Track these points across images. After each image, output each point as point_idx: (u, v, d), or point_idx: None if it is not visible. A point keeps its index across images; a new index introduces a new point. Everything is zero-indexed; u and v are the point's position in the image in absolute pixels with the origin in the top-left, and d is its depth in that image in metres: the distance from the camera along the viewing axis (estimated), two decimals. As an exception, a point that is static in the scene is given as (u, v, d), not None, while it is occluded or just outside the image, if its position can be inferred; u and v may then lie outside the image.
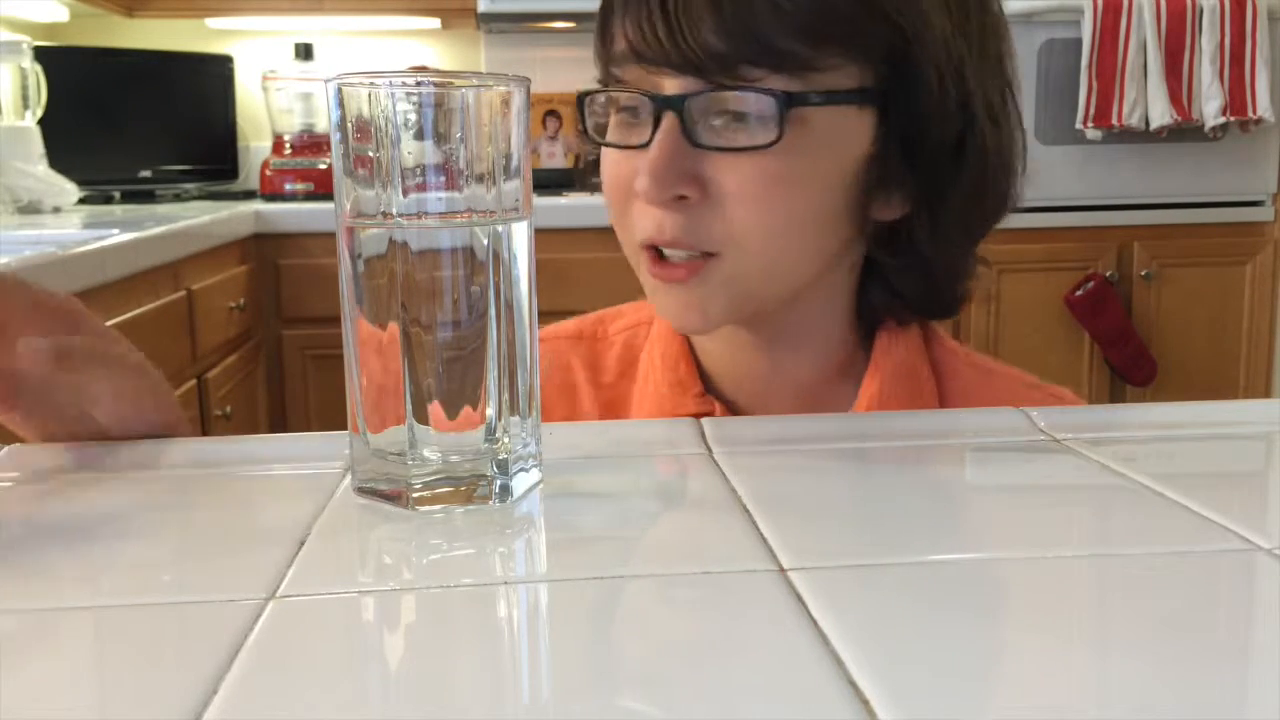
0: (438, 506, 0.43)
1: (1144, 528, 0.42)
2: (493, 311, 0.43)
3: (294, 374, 2.51)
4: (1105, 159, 2.66)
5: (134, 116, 2.72)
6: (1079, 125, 2.60)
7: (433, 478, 0.43)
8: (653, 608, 0.36)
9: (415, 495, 0.43)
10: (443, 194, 0.43)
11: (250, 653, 0.32)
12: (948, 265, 0.70)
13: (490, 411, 0.44)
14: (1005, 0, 0.71)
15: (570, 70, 2.98)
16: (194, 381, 2.01)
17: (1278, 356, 2.79)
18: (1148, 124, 2.59)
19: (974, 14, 0.66)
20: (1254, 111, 2.59)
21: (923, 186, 0.66)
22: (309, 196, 2.70)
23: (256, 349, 2.45)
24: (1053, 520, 0.45)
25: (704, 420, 0.56)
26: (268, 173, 2.75)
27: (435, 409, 0.43)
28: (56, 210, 2.28)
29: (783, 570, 0.37)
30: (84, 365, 0.53)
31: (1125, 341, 2.70)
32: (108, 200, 2.63)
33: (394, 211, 0.42)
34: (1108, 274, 2.68)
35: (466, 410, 0.44)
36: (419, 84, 0.42)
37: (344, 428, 0.47)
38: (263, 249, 2.46)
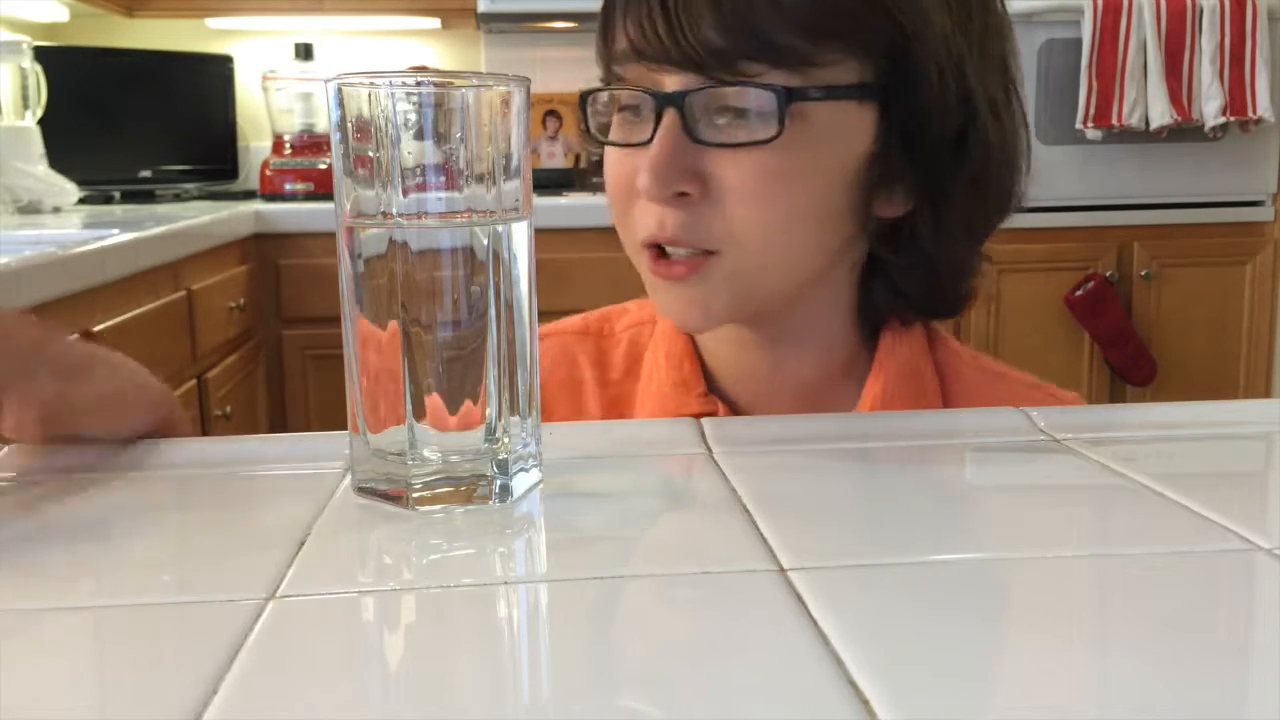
0: (438, 506, 0.43)
1: (1144, 528, 0.42)
2: (493, 311, 0.43)
3: (294, 374, 2.51)
4: (1105, 159, 2.66)
5: (134, 116, 2.72)
6: (1079, 125, 2.60)
7: (433, 478, 0.43)
8: (653, 608, 0.36)
9: (415, 495, 0.43)
10: (443, 194, 0.43)
11: (250, 653, 0.32)
12: (951, 263, 0.69)
13: (490, 411, 0.44)
14: (1006, 1, 0.71)
15: (570, 70, 2.98)
16: (194, 381, 2.01)
17: (1278, 356, 2.79)
18: (1148, 124, 2.59)
19: (975, 13, 0.66)
20: (1254, 111, 2.59)
21: (924, 182, 0.65)
22: (309, 196, 2.70)
23: (256, 349, 2.45)
24: (1053, 520, 0.45)
25: (704, 420, 0.56)
26: (268, 173, 2.75)
27: (435, 409, 0.43)
28: (56, 210, 2.28)
29: (783, 570, 0.37)
30: (70, 416, 0.53)
31: (1125, 341, 2.70)
32: (108, 200, 2.63)
33: (394, 211, 0.42)
34: (1108, 274, 2.68)
35: (466, 410, 0.44)
36: (419, 84, 0.42)
37: (344, 428, 0.47)
38: (263, 249, 2.46)
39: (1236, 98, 2.58)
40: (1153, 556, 0.39)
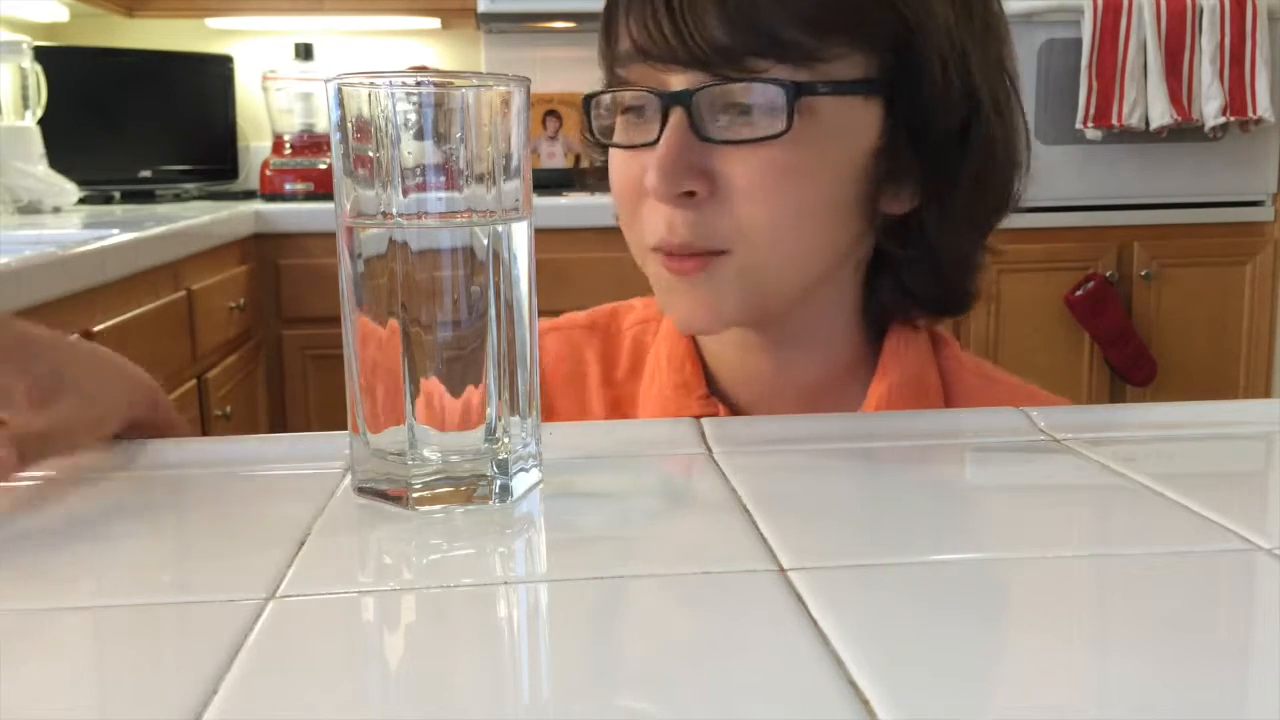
0: (438, 506, 0.43)
1: (1144, 528, 0.42)
2: (493, 311, 0.43)
3: (294, 374, 2.51)
4: (1105, 159, 2.66)
5: (134, 116, 2.72)
6: (1079, 125, 2.60)
7: (433, 478, 0.43)
8: (653, 608, 0.36)
9: (415, 495, 0.43)
10: (443, 194, 0.43)
11: (250, 653, 0.32)
12: (956, 258, 0.69)
13: (490, 411, 0.44)
14: (1005, 1, 0.71)
15: (570, 70, 2.98)
16: (194, 381, 2.01)
17: (1278, 356, 2.79)
18: (1148, 124, 2.59)
19: (976, 8, 0.66)
20: (1254, 111, 2.59)
21: (930, 177, 0.66)
22: (309, 196, 2.70)
23: (256, 349, 2.45)
24: (1053, 520, 0.45)
25: (704, 420, 0.56)
26: (268, 173, 2.75)
27: (435, 409, 0.43)
28: (56, 210, 2.28)
29: (783, 570, 0.37)
30: (47, 445, 0.51)
31: (1125, 341, 2.70)
32: (108, 200, 2.63)
33: (394, 211, 0.42)
34: (1108, 274, 2.68)
35: (467, 410, 0.44)
36: (419, 84, 0.42)
37: (344, 428, 0.47)
38: (263, 249, 2.46)
39: (1236, 98, 2.58)
40: (1153, 556, 0.39)
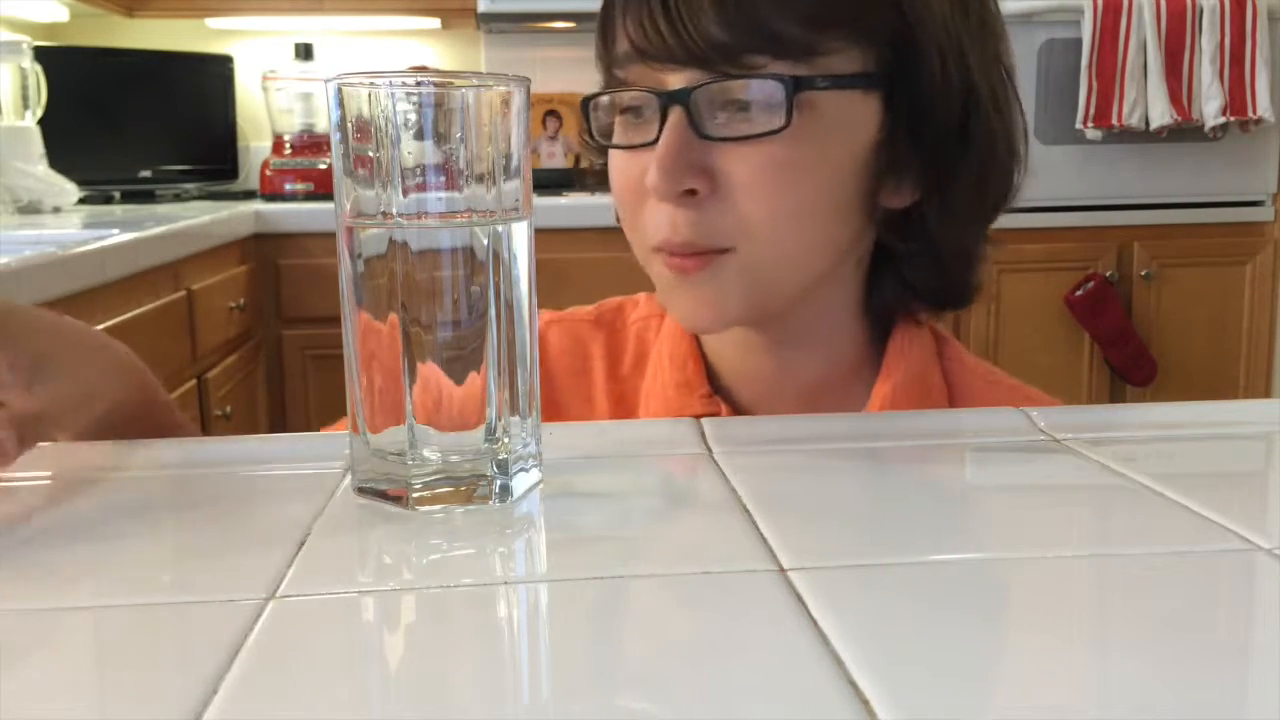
0: (438, 506, 0.43)
1: (1144, 528, 0.42)
2: (493, 311, 0.43)
3: (294, 374, 2.51)
4: (1105, 159, 2.66)
5: (134, 116, 2.72)
6: (1079, 125, 2.60)
7: (433, 478, 0.43)
8: (653, 608, 0.36)
9: (415, 495, 0.43)
10: (443, 194, 0.43)
11: (250, 653, 0.32)
12: (958, 251, 0.69)
13: (490, 411, 0.44)
14: (1005, 0, 0.71)
15: (570, 70, 2.98)
16: (194, 381, 2.01)
17: (1278, 356, 2.79)
18: (1148, 124, 2.59)
19: (972, 5, 0.66)
20: (1254, 111, 2.59)
21: (931, 171, 0.66)
22: (309, 196, 2.70)
23: (256, 349, 2.45)
24: (1053, 520, 0.45)
25: (704, 420, 0.56)
26: (268, 173, 2.75)
27: (435, 409, 0.43)
28: (56, 210, 2.28)
29: (783, 570, 0.37)
30: (40, 429, 0.52)
31: (1125, 341, 2.70)
32: (108, 200, 2.63)
33: (394, 211, 0.42)
34: (1108, 274, 2.68)
35: (466, 410, 0.44)
36: (419, 84, 0.42)
37: (343, 427, 0.47)
38: (263, 249, 2.46)
39: (1236, 98, 2.58)
40: (1153, 556, 0.39)
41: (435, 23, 2.98)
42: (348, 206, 0.43)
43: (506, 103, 0.43)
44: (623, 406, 0.75)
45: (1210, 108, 2.57)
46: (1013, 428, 0.55)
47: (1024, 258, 2.61)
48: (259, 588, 0.36)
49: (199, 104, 2.88)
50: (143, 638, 0.34)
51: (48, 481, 0.50)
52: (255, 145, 3.00)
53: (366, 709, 0.30)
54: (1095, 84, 2.58)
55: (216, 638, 0.33)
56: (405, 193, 0.42)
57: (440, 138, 0.42)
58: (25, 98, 2.34)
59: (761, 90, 0.61)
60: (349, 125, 0.42)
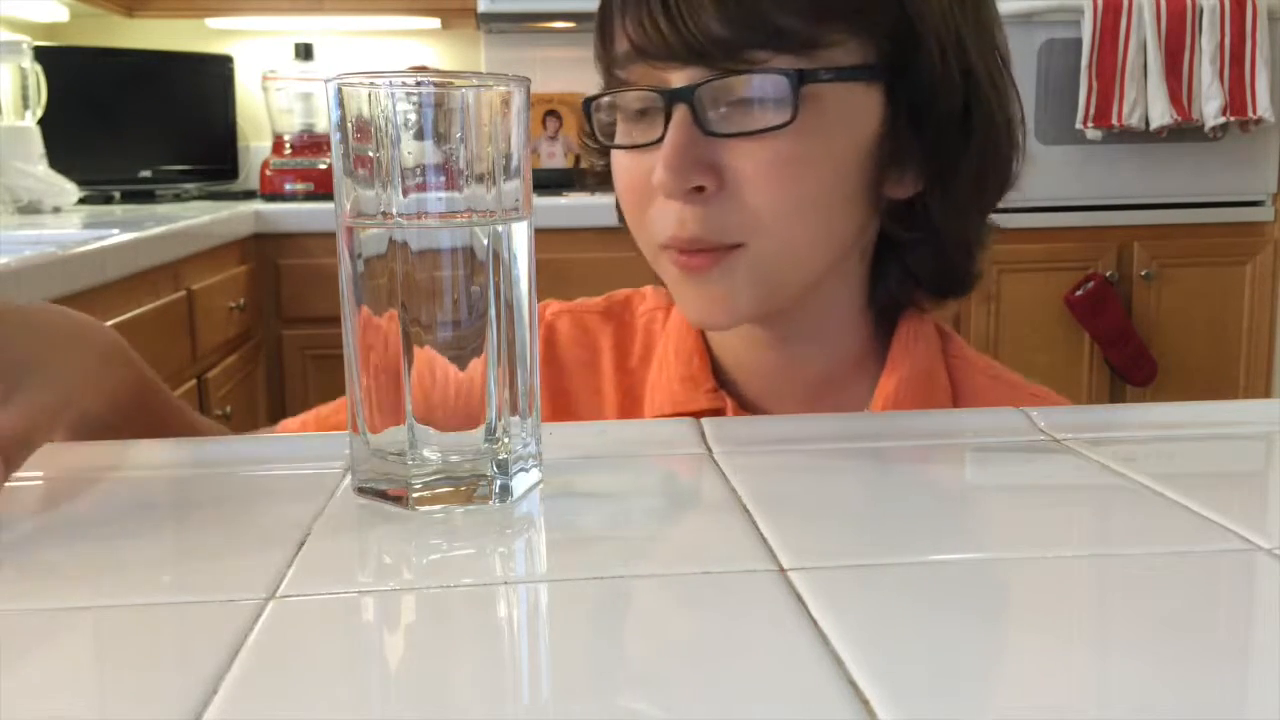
0: (438, 506, 0.43)
1: (1144, 528, 0.42)
2: (493, 311, 0.43)
3: (294, 374, 2.51)
4: (1105, 159, 2.66)
5: (134, 116, 2.72)
6: (1079, 125, 2.60)
7: (433, 478, 0.43)
8: (652, 608, 0.36)
9: (415, 495, 0.43)
10: (443, 194, 0.43)
11: (250, 653, 0.32)
12: (961, 238, 0.70)
13: (490, 411, 0.44)
14: (1005, 0, 0.72)
15: (570, 70, 2.98)
16: (194, 381, 2.01)
17: (1278, 356, 2.79)
18: (1148, 124, 2.59)
19: None
20: (1254, 111, 2.59)
21: (934, 160, 0.66)
22: (309, 196, 2.70)
23: (256, 349, 2.45)
24: (1053, 520, 0.45)
25: (704, 420, 0.56)
26: (268, 173, 2.75)
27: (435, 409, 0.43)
28: (56, 210, 2.28)
29: (783, 570, 0.37)
30: (31, 443, 0.48)
31: (1125, 341, 2.70)
32: (108, 200, 2.63)
33: (394, 211, 0.42)
34: (1108, 274, 2.68)
35: (466, 410, 0.44)
36: (419, 84, 0.42)
37: (344, 428, 0.47)
38: (263, 249, 2.46)
39: (1236, 98, 2.58)
40: (1153, 556, 0.39)
41: (435, 23, 2.98)
42: (348, 206, 0.43)
43: (506, 103, 0.43)
44: (630, 399, 0.75)
45: (1210, 108, 2.57)
46: (1013, 428, 0.55)
47: (1024, 258, 2.61)
48: (259, 588, 0.36)
49: (199, 104, 2.88)
50: (143, 638, 0.34)
51: (48, 482, 0.50)
52: (255, 145, 3.00)
53: (366, 709, 0.30)
54: (1095, 84, 2.58)
55: (216, 638, 0.33)
56: (405, 193, 0.42)
57: (440, 138, 0.42)
58: (25, 98, 2.34)
59: (766, 85, 0.61)
60: (349, 125, 0.42)
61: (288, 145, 2.78)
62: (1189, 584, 0.37)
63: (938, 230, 0.68)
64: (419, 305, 0.42)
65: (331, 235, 0.45)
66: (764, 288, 0.65)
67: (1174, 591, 0.36)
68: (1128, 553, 0.40)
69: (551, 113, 3.02)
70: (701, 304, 0.66)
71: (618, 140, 0.67)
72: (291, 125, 2.80)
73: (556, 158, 3.04)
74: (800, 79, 0.60)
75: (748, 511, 0.43)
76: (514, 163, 0.44)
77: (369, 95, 0.42)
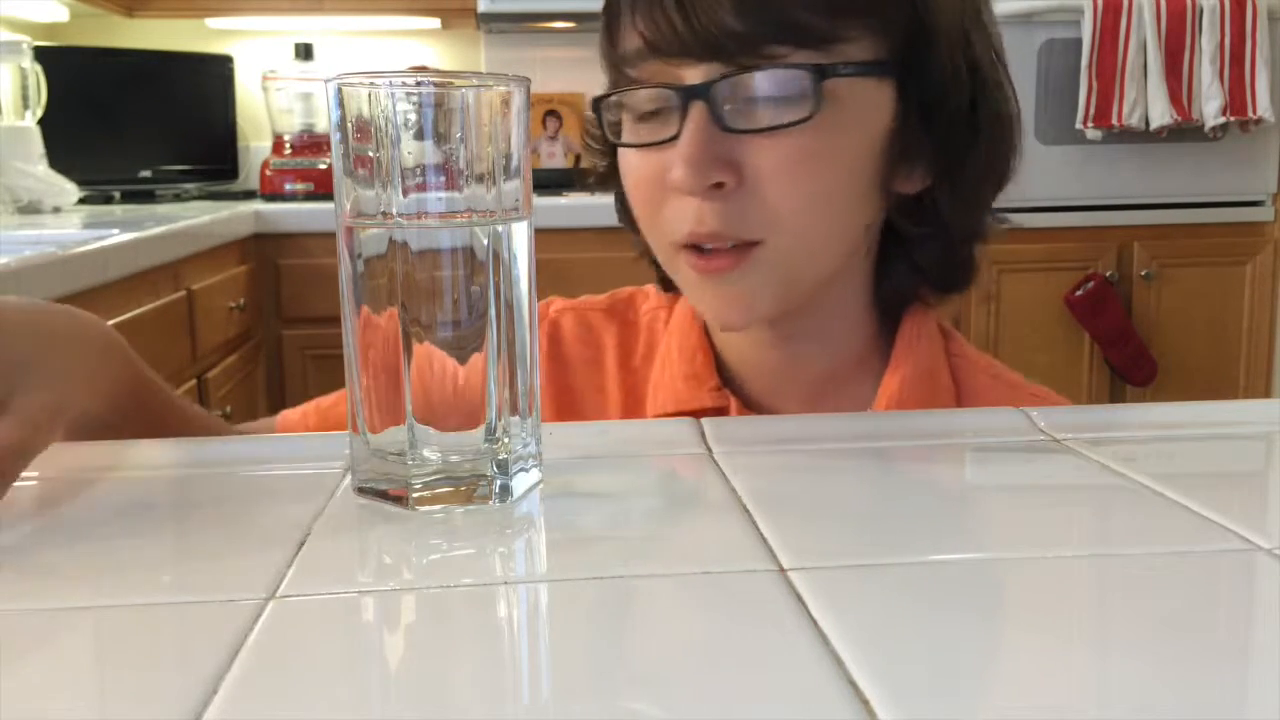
0: (438, 506, 0.43)
1: (1144, 528, 0.42)
2: (493, 311, 0.43)
3: (294, 374, 2.51)
4: (1105, 159, 2.66)
5: (134, 116, 2.72)
6: (1079, 125, 2.60)
7: (433, 478, 0.43)
8: (652, 608, 0.36)
9: (415, 495, 0.43)
10: (443, 194, 0.43)
11: (250, 653, 0.32)
12: (968, 231, 0.71)
13: (490, 411, 0.44)
14: (1005, 0, 0.73)
15: (570, 70, 2.98)
16: (194, 381, 2.01)
17: (1278, 356, 2.79)
18: (1148, 124, 2.59)
19: None
20: (1254, 111, 2.59)
21: (942, 156, 0.66)
22: (309, 196, 2.70)
23: (256, 349, 2.45)
24: (1053, 520, 0.45)
25: (704, 420, 0.56)
26: (268, 173, 2.75)
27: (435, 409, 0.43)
28: (56, 210, 2.28)
29: (783, 570, 0.37)
30: (27, 454, 0.47)
31: (1125, 341, 2.70)
32: (108, 200, 2.63)
33: (394, 211, 0.42)
34: (1108, 274, 2.68)
35: (466, 410, 0.44)
36: (419, 84, 0.42)
37: (344, 419, 0.47)
38: (263, 249, 2.46)
39: (1236, 98, 2.58)
40: (1153, 556, 0.39)
41: (435, 23, 2.98)
42: (348, 206, 0.43)
43: (506, 103, 0.43)
44: (633, 398, 0.75)
45: (1210, 108, 2.57)
46: (1013, 428, 0.55)
47: (1024, 258, 2.61)
48: (259, 588, 0.36)
49: (199, 104, 2.88)
50: (143, 638, 0.34)
51: (48, 483, 0.50)
52: (255, 145, 3.00)
53: (366, 709, 0.30)
54: (1095, 84, 2.58)
55: (216, 638, 0.33)
56: (405, 193, 0.42)
57: (440, 138, 0.42)
58: (25, 98, 2.34)
59: (787, 80, 0.61)
60: (349, 125, 0.42)
61: (288, 145, 2.78)
62: (1189, 584, 0.37)
63: (946, 224, 0.68)
64: (419, 305, 0.42)
65: (331, 235, 0.45)
66: (781, 286, 0.65)
67: (1174, 591, 0.36)
68: (1128, 553, 0.40)
69: (551, 113, 3.02)
70: (720, 305, 0.66)
71: (627, 138, 0.67)
72: (291, 125, 2.80)
73: (556, 158, 3.04)
74: (821, 74, 0.60)
75: (748, 511, 0.43)
76: (514, 163, 0.44)
77: (369, 95, 0.42)
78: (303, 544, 0.40)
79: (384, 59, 3.04)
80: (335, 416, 0.73)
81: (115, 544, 0.42)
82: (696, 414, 0.68)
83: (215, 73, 2.89)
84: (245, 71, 2.98)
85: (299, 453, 0.53)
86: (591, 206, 2.40)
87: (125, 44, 2.90)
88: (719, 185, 0.62)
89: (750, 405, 0.72)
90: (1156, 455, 0.53)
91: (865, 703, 0.28)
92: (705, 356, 0.72)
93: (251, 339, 2.41)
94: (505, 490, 0.44)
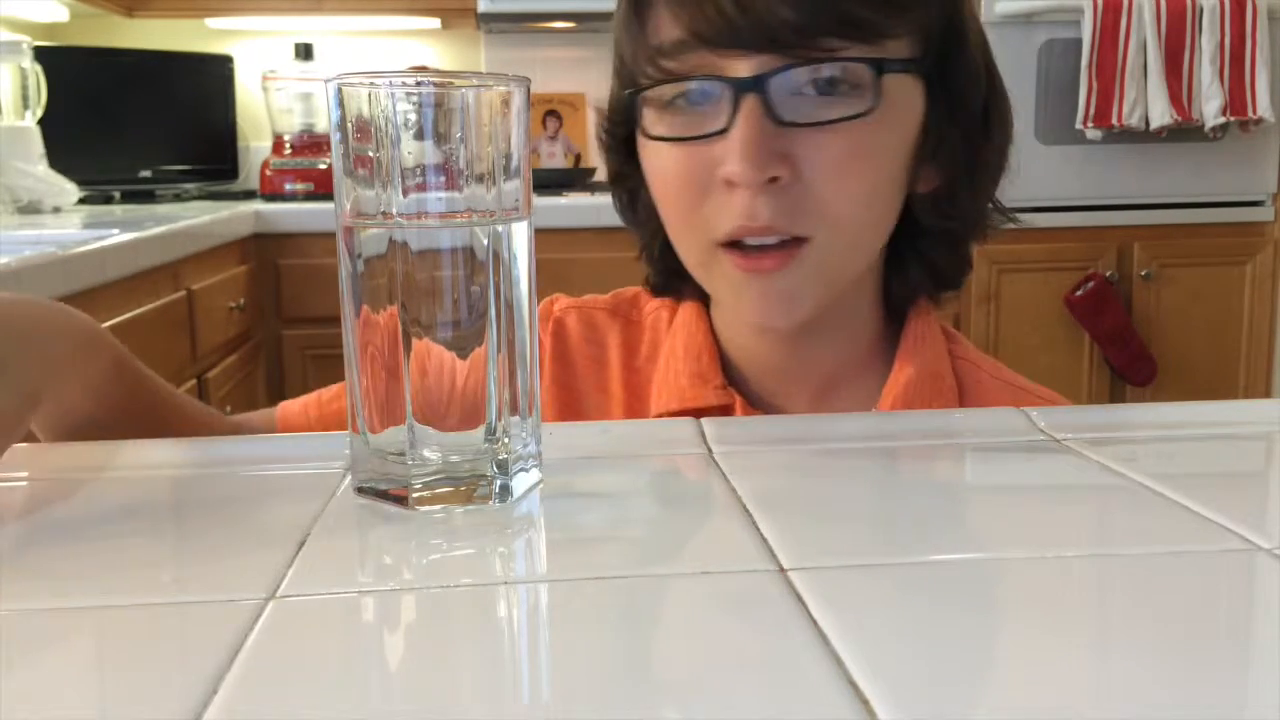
0: (438, 506, 0.43)
1: (1144, 528, 0.42)
2: (493, 311, 0.43)
3: (294, 374, 2.51)
4: (1105, 159, 2.66)
5: (134, 116, 2.72)
6: (1079, 125, 2.60)
7: (433, 478, 0.43)
8: (652, 608, 0.36)
9: (415, 495, 0.43)
10: (443, 194, 0.43)
11: (250, 653, 0.32)
12: (978, 229, 0.72)
13: (490, 411, 0.44)
14: (1005, 0, 0.75)
15: (570, 70, 2.98)
16: (194, 381, 2.01)
17: (1278, 356, 2.79)
18: (1148, 124, 2.59)
19: None
20: (1254, 111, 2.59)
21: (960, 154, 0.67)
22: (309, 196, 2.70)
23: (256, 349, 2.45)
24: (1052, 520, 0.45)
25: (704, 420, 0.56)
26: (268, 173, 2.75)
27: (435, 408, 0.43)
28: (56, 210, 2.28)
29: (783, 570, 0.37)
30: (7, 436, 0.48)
31: (1125, 341, 2.70)
32: (108, 200, 2.63)
33: (394, 211, 0.42)
34: (1108, 274, 2.68)
35: (466, 410, 0.44)
36: (419, 84, 0.42)
37: (344, 413, 0.47)
38: (263, 249, 2.46)
39: (1236, 98, 2.58)
40: (1153, 556, 0.39)
41: (435, 23, 2.98)
42: (348, 206, 0.43)
43: (506, 103, 0.43)
44: (637, 398, 0.75)
45: (1210, 108, 2.57)
46: (1013, 428, 0.55)
47: (1024, 258, 2.61)
48: (259, 588, 0.36)
49: (199, 104, 2.88)
50: (143, 638, 0.34)
51: (47, 483, 0.50)
52: (255, 145, 3.00)
53: (366, 709, 0.30)
54: (1095, 84, 2.58)
55: (216, 638, 0.33)
56: (405, 193, 0.42)
57: (440, 138, 0.42)
58: (25, 98, 2.34)
59: (848, 74, 0.61)
60: (349, 125, 0.42)
61: (288, 145, 2.78)
62: (1189, 584, 0.37)
63: (960, 222, 0.69)
64: (419, 305, 0.42)
65: (331, 235, 0.45)
66: (821, 285, 0.65)
67: (1174, 591, 0.36)
68: (1128, 553, 0.40)
69: (551, 113, 3.02)
70: (764, 304, 0.65)
71: (659, 132, 0.65)
72: (291, 125, 2.80)
73: (556, 158, 3.04)
74: (879, 69, 0.60)
75: (748, 511, 0.43)
76: (514, 163, 0.44)
77: (369, 95, 0.42)
78: (303, 544, 0.40)
79: (384, 59, 3.04)
80: (336, 410, 0.73)
81: (115, 544, 0.42)
82: (701, 412, 0.68)
83: (215, 73, 2.89)
84: (245, 71, 2.98)
85: (299, 453, 0.53)
86: (591, 206, 2.40)
87: (125, 44, 2.90)
88: (774, 179, 0.61)
89: (755, 404, 0.72)
90: (1156, 455, 0.53)
91: (865, 703, 0.28)
92: (711, 355, 0.72)
93: (251, 339, 2.41)
94: (505, 490, 0.44)
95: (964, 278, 0.73)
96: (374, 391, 0.44)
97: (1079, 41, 2.59)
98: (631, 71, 0.66)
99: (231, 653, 0.32)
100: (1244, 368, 2.78)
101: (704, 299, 0.74)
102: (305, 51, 2.87)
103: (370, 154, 0.42)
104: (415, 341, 0.43)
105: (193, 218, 2.10)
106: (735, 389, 0.72)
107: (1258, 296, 2.76)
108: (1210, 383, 2.75)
